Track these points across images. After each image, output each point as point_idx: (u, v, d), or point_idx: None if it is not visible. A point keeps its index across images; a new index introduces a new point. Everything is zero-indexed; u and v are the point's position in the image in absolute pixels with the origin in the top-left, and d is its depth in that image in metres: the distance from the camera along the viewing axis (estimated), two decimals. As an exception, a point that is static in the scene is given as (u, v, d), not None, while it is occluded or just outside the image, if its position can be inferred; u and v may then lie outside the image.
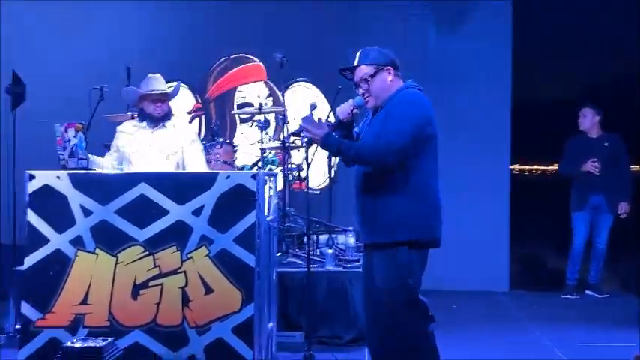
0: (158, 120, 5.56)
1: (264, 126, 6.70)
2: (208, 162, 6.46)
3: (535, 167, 12.68)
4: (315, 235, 6.92)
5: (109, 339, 4.25)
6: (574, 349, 5.87)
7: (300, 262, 6.42)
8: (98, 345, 4.07)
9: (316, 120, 4.12)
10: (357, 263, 6.33)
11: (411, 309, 4.02)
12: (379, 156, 3.92)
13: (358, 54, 4.15)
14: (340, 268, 6.24)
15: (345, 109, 4.09)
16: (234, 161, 6.72)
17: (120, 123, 5.89)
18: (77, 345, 4.10)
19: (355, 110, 4.08)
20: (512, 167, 10.83)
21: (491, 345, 6.12)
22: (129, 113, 6.38)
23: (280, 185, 6.96)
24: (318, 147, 4.23)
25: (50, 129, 5.01)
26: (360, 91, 4.10)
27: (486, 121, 8.52)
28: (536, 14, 8.55)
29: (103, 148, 5.89)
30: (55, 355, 4.14)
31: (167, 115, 5.59)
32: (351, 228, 7.07)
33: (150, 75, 5.65)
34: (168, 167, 5.44)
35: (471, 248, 8.38)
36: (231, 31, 8.59)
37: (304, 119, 4.08)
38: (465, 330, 6.67)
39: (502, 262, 8.58)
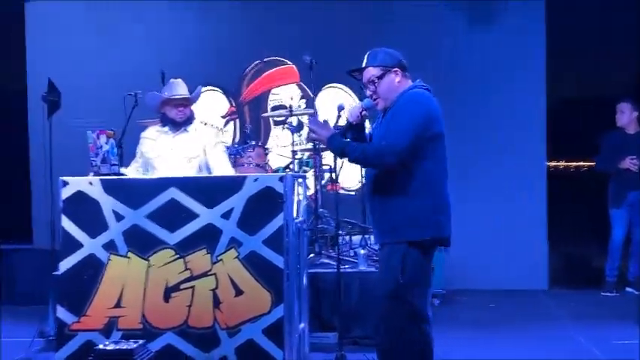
0: (180, 124, 5.61)
1: (295, 128, 6.73)
2: (241, 165, 6.52)
3: (582, 163, 12.52)
4: (349, 236, 6.93)
5: (141, 341, 4.31)
6: (611, 347, 5.79)
7: (334, 263, 6.42)
8: (129, 347, 4.14)
9: (322, 121, 4.14)
10: (390, 263, 6.32)
11: (398, 308, 3.95)
12: (381, 157, 3.93)
13: (366, 55, 4.16)
14: (373, 269, 6.22)
15: (354, 111, 4.09)
16: (266, 164, 6.77)
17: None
18: (109, 348, 4.17)
19: (364, 112, 4.08)
20: (555, 164, 10.74)
21: (526, 344, 6.07)
22: None
23: (313, 187, 7.00)
24: None
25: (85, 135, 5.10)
26: (368, 92, 4.11)
27: (521, 119, 8.47)
28: (569, 11, 8.44)
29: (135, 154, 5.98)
30: (87, 358, 4.21)
31: (189, 120, 5.65)
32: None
33: (172, 80, 5.72)
34: (190, 171, 5.48)
35: (509, 247, 8.35)
36: (264, 35, 8.64)
37: (311, 121, 4.11)
38: (502, 329, 6.63)
39: (541, 260, 8.50)
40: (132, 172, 5.56)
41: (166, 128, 5.65)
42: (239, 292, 4.70)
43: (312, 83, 6.32)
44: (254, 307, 4.69)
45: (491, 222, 8.31)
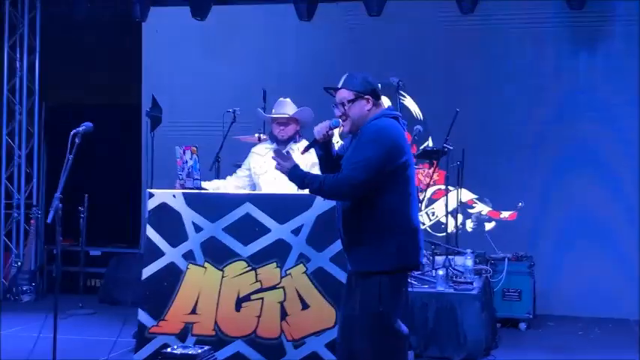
0: (284, 142, 5.74)
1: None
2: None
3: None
4: (432, 257, 7.00)
5: (206, 347, 4.57)
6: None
7: (415, 282, 6.53)
8: (194, 352, 4.39)
9: (284, 152, 4.16)
10: (469, 285, 6.36)
11: (382, 336, 3.93)
12: (339, 190, 3.92)
13: (344, 77, 4.10)
14: (451, 290, 6.28)
15: (321, 129, 4.05)
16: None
17: (251, 144, 6.20)
18: (177, 352, 4.44)
19: (331, 132, 4.08)
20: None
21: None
22: (256, 135, 6.70)
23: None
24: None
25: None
26: (338, 113, 4.07)
27: (616, 143, 8.25)
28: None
29: (233, 167, 6.25)
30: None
31: (292, 138, 5.75)
32: (469, 250, 7.12)
33: (280, 99, 5.90)
34: (293, 189, 5.61)
35: (604, 274, 8.15)
36: (366, 56, 8.79)
37: (274, 151, 4.16)
38: (586, 356, 6.50)
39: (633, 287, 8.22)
40: (231, 182, 5.76)
41: (274, 145, 5.82)
42: (305, 305, 4.90)
43: (399, 104, 6.46)
44: (319, 321, 4.88)
45: (586, 248, 8.17)
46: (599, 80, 8.32)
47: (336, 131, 4.23)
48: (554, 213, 8.36)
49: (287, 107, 5.84)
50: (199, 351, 4.44)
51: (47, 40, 9.52)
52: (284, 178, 5.27)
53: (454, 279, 6.55)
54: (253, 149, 6.02)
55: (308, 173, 4.09)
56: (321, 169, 4.17)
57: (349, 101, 4.03)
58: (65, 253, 9.27)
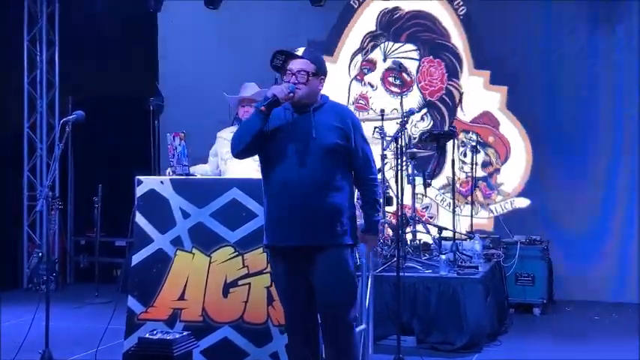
0: None
1: (384, 133, 6.75)
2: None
3: None
4: (440, 241, 6.89)
5: (186, 333, 4.54)
6: None
7: (419, 267, 6.44)
8: (172, 338, 4.37)
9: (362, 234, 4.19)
10: (473, 270, 6.24)
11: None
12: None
13: (304, 48, 4.16)
14: (454, 275, 6.16)
15: (284, 89, 3.91)
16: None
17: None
18: (154, 337, 4.42)
19: (290, 94, 3.93)
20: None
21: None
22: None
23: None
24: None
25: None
26: (293, 79, 3.94)
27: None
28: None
29: None
30: (133, 345, 4.51)
31: None
32: (477, 234, 6.98)
33: (245, 83, 5.89)
34: (258, 172, 5.55)
35: (627, 257, 7.95)
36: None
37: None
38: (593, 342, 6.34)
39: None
40: (201, 167, 5.82)
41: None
42: (291, 290, 4.82)
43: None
44: (304, 305, 4.79)
45: (606, 231, 7.95)
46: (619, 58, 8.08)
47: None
48: (576, 196, 8.13)
49: (249, 90, 5.80)
50: (177, 336, 4.40)
51: (66, 35, 9.62)
52: (249, 161, 5.18)
53: (460, 264, 6.43)
54: (219, 134, 5.97)
55: (372, 215, 4.15)
56: (253, 142, 4.08)
57: (312, 74, 3.97)
58: (89, 244, 9.42)
